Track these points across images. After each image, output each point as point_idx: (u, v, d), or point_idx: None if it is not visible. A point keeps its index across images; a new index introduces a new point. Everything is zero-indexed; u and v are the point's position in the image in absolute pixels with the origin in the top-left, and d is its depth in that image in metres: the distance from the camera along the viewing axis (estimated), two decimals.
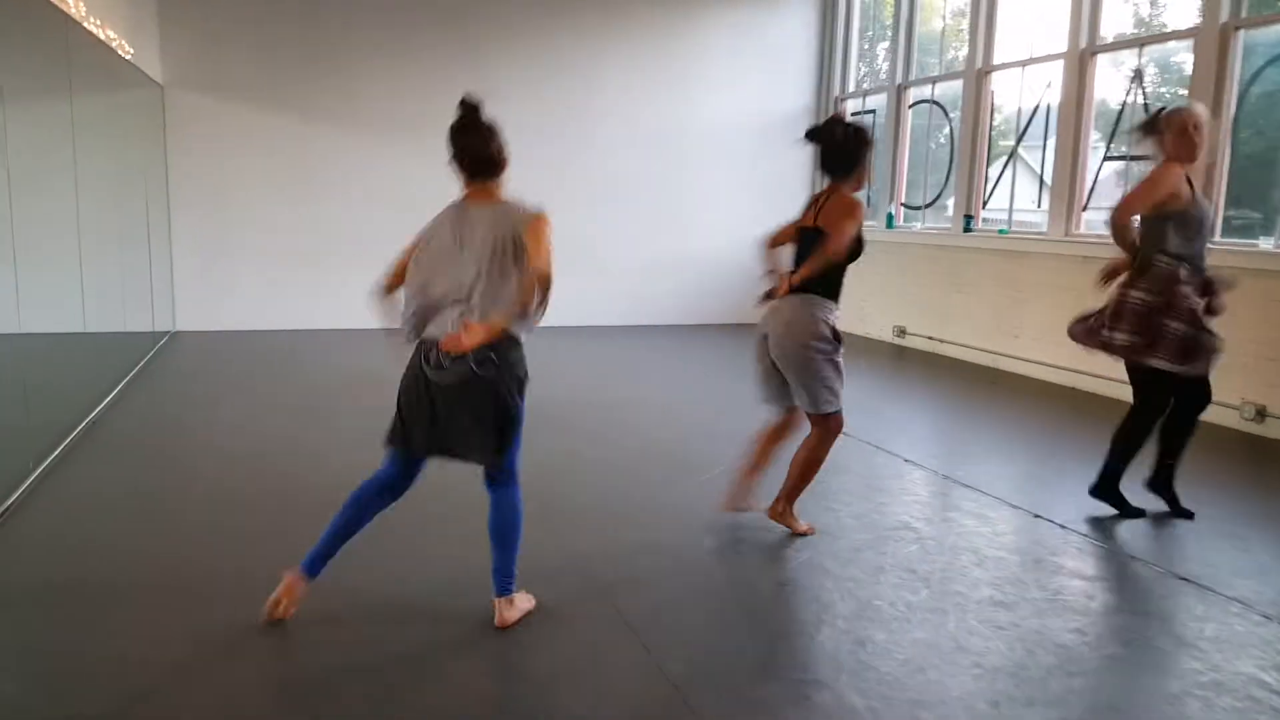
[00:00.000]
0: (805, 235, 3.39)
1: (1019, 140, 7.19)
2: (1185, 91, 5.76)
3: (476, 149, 2.61)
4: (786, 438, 3.57)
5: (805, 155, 9.56)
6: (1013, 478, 4.42)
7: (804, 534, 3.46)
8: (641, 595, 2.94)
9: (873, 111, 8.92)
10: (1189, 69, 5.90)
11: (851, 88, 9.25)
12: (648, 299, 9.23)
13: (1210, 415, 5.18)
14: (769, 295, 3.38)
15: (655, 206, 9.16)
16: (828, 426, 3.36)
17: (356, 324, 8.47)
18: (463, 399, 2.54)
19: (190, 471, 4.30)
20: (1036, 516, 3.76)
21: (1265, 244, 5.23)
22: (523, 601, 2.76)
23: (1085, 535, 3.55)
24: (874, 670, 2.49)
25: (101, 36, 5.41)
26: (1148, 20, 6.63)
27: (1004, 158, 7.41)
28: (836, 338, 3.32)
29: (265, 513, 3.70)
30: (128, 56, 6.17)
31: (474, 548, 2.84)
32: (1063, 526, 3.64)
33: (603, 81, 8.79)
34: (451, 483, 3.01)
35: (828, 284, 3.31)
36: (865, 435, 4.88)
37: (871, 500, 3.99)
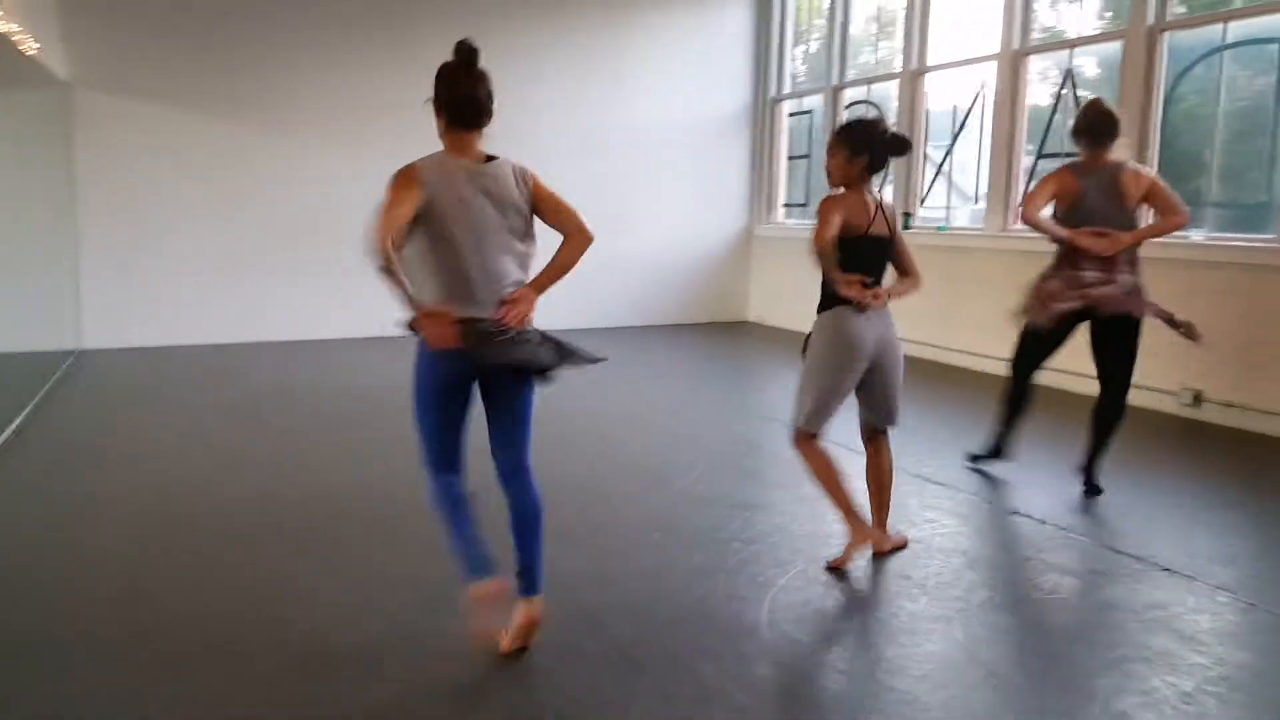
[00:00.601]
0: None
1: (955, 139, 7.31)
2: (1088, 94, 5.96)
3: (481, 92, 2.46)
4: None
5: (743, 155, 9.60)
6: (979, 473, 4.44)
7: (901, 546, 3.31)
8: (635, 621, 2.80)
9: (809, 112, 8.97)
10: (1090, 73, 6.18)
11: (788, 88, 9.29)
12: (588, 302, 9.06)
13: (1149, 401, 5.41)
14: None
15: (593, 208, 8.94)
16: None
17: (286, 335, 8.11)
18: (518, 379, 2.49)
19: (114, 505, 3.95)
20: (1013, 513, 3.78)
21: (1196, 236, 5.43)
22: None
23: (1063, 529, 3.58)
24: (894, 691, 2.41)
25: (2, 29, 4.95)
26: (1053, 26, 6.79)
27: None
28: None
29: (207, 550, 3.42)
30: (31, 52, 5.68)
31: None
32: (1041, 521, 3.66)
33: (538, 81, 8.57)
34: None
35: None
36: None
37: None
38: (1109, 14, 6.40)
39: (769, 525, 3.65)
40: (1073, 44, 6.32)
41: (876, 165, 3.11)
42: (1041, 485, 4.13)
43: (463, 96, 2.43)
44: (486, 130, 2.50)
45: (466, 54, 2.44)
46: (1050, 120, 6.44)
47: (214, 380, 6.58)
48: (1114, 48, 5.96)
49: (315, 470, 4.40)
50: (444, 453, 2.50)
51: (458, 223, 2.39)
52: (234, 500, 3.93)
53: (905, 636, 2.72)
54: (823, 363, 3.14)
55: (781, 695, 2.43)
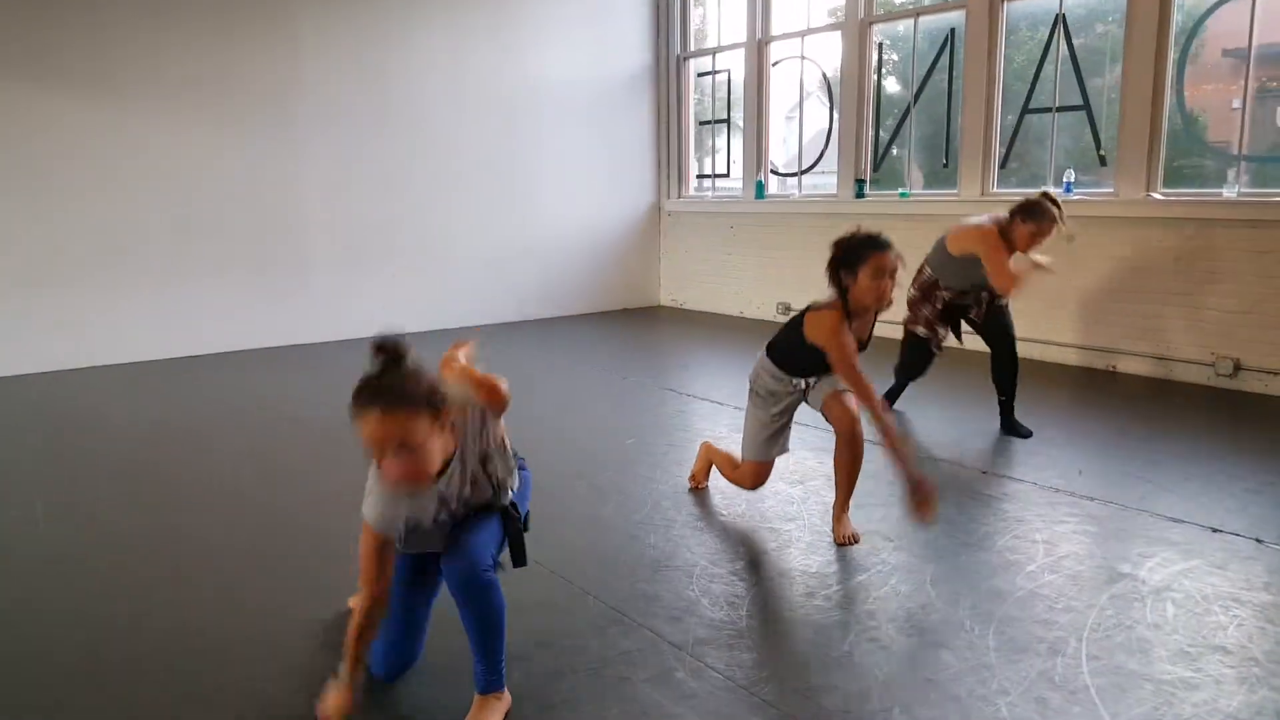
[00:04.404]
0: None
1: (915, 97, 6.67)
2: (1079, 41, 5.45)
3: None
4: None
5: (647, 121, 8.59)
6: (1117, 479, 3.71)
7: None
8: None
9: (726, 71, 8.10)
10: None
11: (694, 45, 8.36)
12: (492, 293, 7.78)
13: (1184, 373, 5.02)
14: None
15: (490, 184, 7.69)
16: None
17: (127, 357, 6.26)
18: None
19: None
20: (1215, 530, 3.08)
21: (1228, 193, 5.04)
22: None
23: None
24: None
25: None
26: None
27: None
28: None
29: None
30: None
31: None
32: (1259, 541, 2.99)
33: (421, 36, 7.15)
34: None
35: None
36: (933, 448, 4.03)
37: (1021, 536, 3.10)
38: None
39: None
40: None
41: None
42: (1209, 493, 3.49)
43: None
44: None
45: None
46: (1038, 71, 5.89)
47: (49, 417, 4.80)
48: None
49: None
50: None
51: None
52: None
53: None
54: None
55: None
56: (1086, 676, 2.20)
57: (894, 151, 6.94)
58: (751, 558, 2.95)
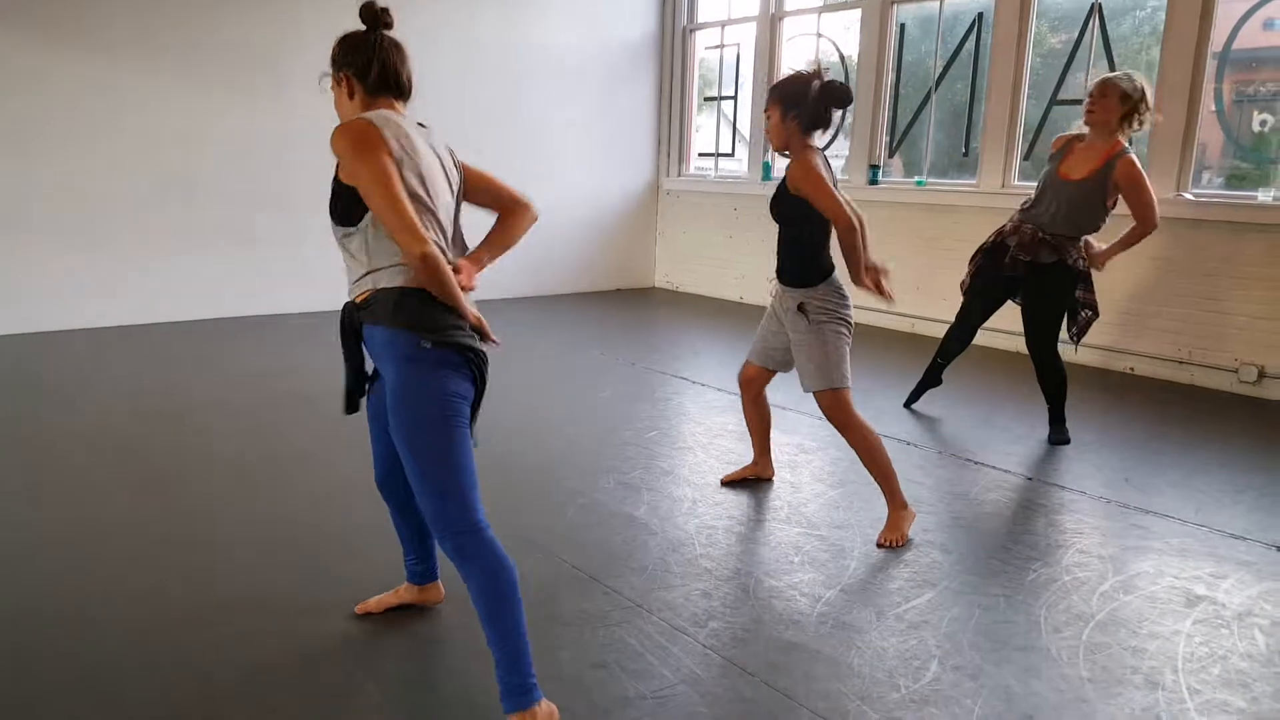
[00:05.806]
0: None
1: (937, 83, 6.47)
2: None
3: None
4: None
5: (649, 96, 8.29)
6: (1164, 489, 3.59)
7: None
8: None
9: (735, 45, 7.83)
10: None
11: (703, 16, 8.07)
12: (491, 270, 7.46)
13: (1205, 378, 4.91)
14: None
15: (480, 156, 7.32)
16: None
17: (112, 320, 5.88)
18: None
19: None
20: (1277, 547, 2.95)
21: (1263, 198, 4.92)
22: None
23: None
24: None
25: None
26: None
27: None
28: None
29: None
30: None
31: None
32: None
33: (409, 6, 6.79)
34: None
35: None
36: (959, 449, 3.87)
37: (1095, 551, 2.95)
38: None
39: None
40: None
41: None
42: (1247, 504, 3.36)
43: (393, 64, 2.08)
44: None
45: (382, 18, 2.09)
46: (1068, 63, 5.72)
47: (24, 382, 4.44)
48: None
49: None
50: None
51: (430, 185, 2.00)
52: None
53: None
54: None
55: None
56: (1194, 715, 2.05)
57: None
58: (807, 570, 2.75)
